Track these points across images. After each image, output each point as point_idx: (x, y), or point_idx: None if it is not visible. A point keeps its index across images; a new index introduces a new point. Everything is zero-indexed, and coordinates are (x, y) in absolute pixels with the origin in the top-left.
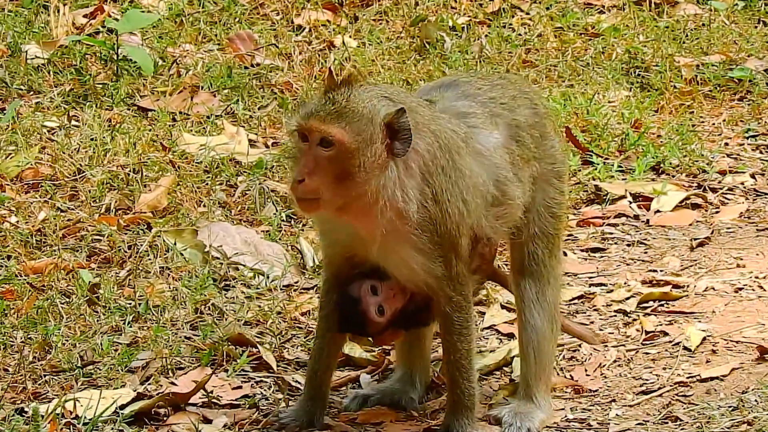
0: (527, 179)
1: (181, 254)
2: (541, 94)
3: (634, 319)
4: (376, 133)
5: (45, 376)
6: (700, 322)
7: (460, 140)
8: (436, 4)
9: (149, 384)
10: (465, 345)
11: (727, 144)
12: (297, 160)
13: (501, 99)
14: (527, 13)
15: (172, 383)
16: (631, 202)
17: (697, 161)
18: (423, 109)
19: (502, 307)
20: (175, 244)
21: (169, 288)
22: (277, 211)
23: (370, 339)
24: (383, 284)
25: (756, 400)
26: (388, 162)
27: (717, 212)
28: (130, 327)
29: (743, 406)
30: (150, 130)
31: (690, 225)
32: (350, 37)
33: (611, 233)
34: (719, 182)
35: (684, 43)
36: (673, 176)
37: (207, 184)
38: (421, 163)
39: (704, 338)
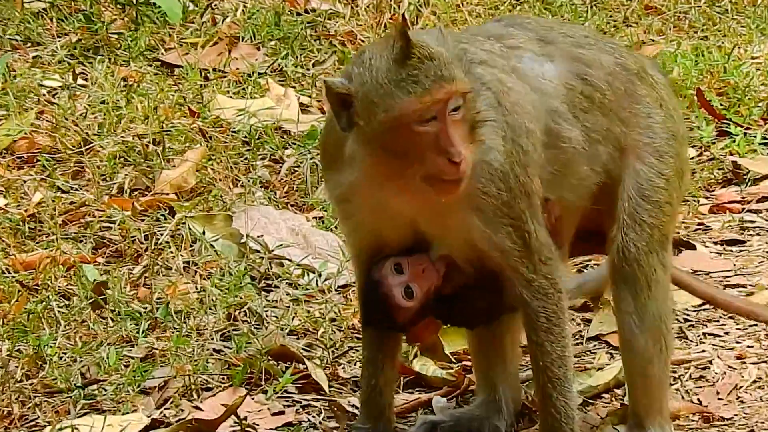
0: (599, 132)
1: (212, 246)
2: (648, 62)
3: None
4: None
5: (36, 397)
6: None
7: (501, 59)
8: None
9: (167, 408)
10: (557, 347)
11: None
12: (430, 142)
13: (566, 32)
14: None
15: (197, 407)
16: None
17: None
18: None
19: None
20: (203, 233)
21: (196, 288)
22: None
23: (404, 336)
24: (409, 259)
25: None
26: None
27: None
28: (145, 337)
29: None
30: (176, 91)
31: None
32: None
33: (753, 222)
34: None
35: None
36: None
37: (246, 158)
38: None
39: None
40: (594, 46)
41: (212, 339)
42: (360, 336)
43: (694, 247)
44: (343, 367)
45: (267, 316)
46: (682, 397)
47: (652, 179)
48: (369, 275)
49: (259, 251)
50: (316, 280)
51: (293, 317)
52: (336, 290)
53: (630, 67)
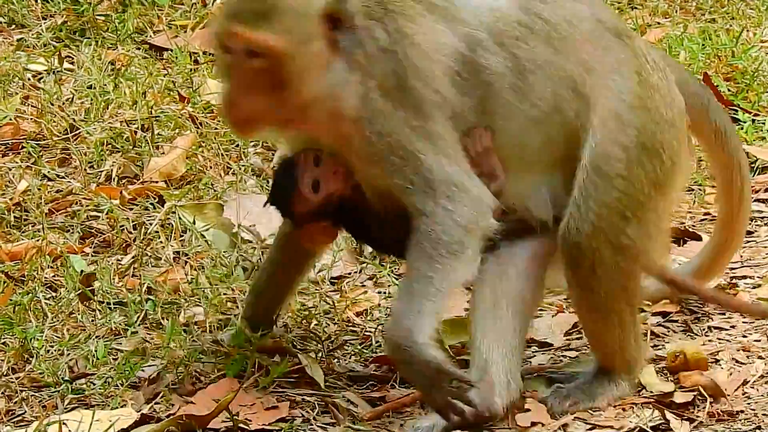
0: (535, 63)
1: (202, 236)
2: (651, 49)
3: None
4: (313, 29)
5: (22, 391)
6: None
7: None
8: None
9: (157, 403)
10: (433, 273)
11: None
12: (225, 76)
13: None
14: None
15: (188, 402)
16: None
17: None
18: None
19: None
20: (194, 222)
21: (187, 279)
22: None
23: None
24: (330, 158)
25: None
26: (333, 60)
27: None
28: (135, 329)
29: None
30: (165, 76)
31: None
32: None
33: (761, 212)
34: None
35: None
36: None
37: (237, 145)
38: (366, 49)
39: None
40: None
41: (203, 332)
42: (355, 330)
43: (700, 238)
44: (338, 361)
45: None
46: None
47: (607, 147)
48: (290, 155)
49: (251, 241)
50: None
51: (287, 310)
52: (330, 282)
53: (605, 21)
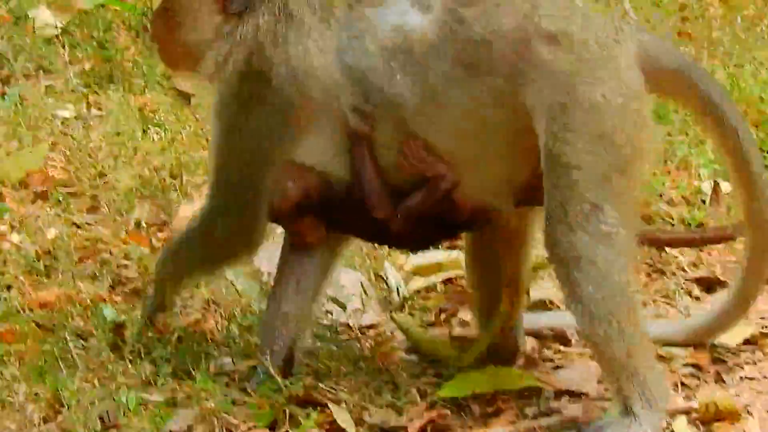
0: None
1: (233, 285)
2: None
3: None
4: None
5: None
6: None
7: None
8: None
9: None
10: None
11: None
12: None
13: None
14: None
15: None
16: None
17: None
18: None
19: None
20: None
21: (218, 329)
22: None
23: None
24: None
25: None
26: (218, 19)
27: None
28: (166, 379)
29: None
30: (194, 122)
31: None
32: None
33: None
34: None
35: None
36: None
37: None
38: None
39: None
40: None
41: (234, 381)
42: (387, 380)
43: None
44: (368, 412)
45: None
46: None
47: (557, 138)
48: None
49: None
50: (341, 320)
51: (316, 359)
52: (361, 331)
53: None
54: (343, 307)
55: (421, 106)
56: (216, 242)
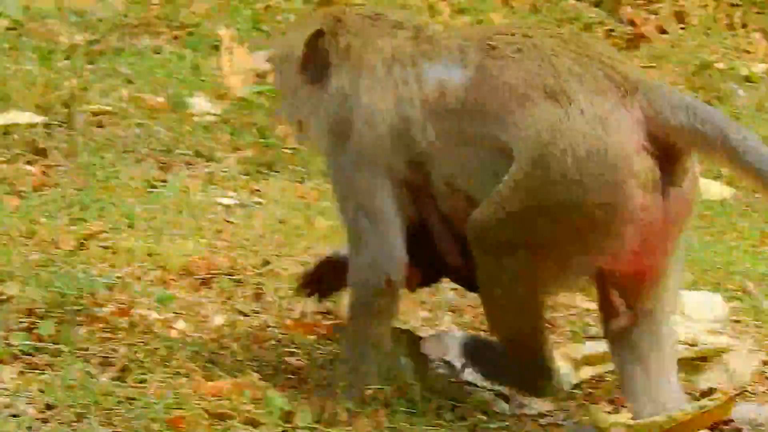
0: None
1: (402, 372)
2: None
3: None
4: (294, 54)
5: None
6: None
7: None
8: (725, 47)
9: None
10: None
11: None
12: None
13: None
14: None
15: None
16: None
17: None
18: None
19: None
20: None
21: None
22: None
23: None
24: None
25: None
26: (304, 86)
27: None
28: None
29: None
30: None
31: None
32: None
33: None
34: None
35: None
36: None
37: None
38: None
39: None
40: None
41: None
42: None
43: None
44: None
45: None
46: None
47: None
48: None
49: (446, 374)
50: (511, 408)
51: None
52: (531, 419)
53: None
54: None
55: (456, 159)
56: (369, 297)
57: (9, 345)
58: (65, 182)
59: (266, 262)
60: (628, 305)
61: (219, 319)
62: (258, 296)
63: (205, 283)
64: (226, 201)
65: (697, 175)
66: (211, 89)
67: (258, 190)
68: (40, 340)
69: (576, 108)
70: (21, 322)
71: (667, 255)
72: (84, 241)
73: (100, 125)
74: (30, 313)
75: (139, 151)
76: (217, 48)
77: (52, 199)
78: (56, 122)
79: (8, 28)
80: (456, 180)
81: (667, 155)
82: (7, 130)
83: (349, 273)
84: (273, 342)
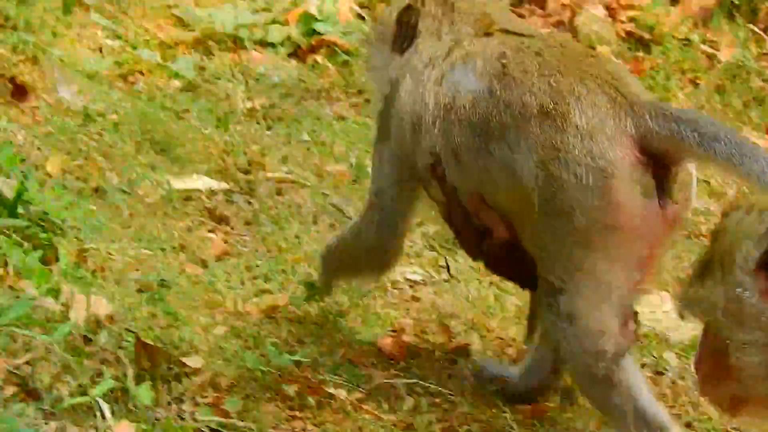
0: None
1: None
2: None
3: None
4: (387, 22)
5: None
6: None
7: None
8: None
9: None
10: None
11: None
12: None
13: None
14: None
15: None
16: None
17: None
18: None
19: None
20: None
21: None
22: None
23: None
24: None
25: None
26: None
27: None
28: None
29: None
30: None
31: None
32: None
33: None
34: None
35: None
36: None
37: None
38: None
39: None
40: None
41: None
42: None
43: None
44: None
45: None
46: None
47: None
48: None
49: None
50: None
51: None
52: None
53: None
54: None
55: (466, 162)
56: (356, 252)
57: (195, 420)
58: (247, 251)
59: (457, 341)
60: None
61: (410, 401)
62: (450, 376)
63: (395, 361)
64: (413, 276)
65: (693, 186)
66: None
67: (444, 266)
68: (227, 416)
69: (571, 126)
70: (205, 396)
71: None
72: (269, 313)
73: (279, 193)
74: (215, 387)
75: (323, 220)
76: None
77: (235, 268)
78: (237, 190)
79: (182, 89)
80: (467, 182)
81: (662, 166)
82: (187, 195)
83: (353, 228)
84: (466, 428)
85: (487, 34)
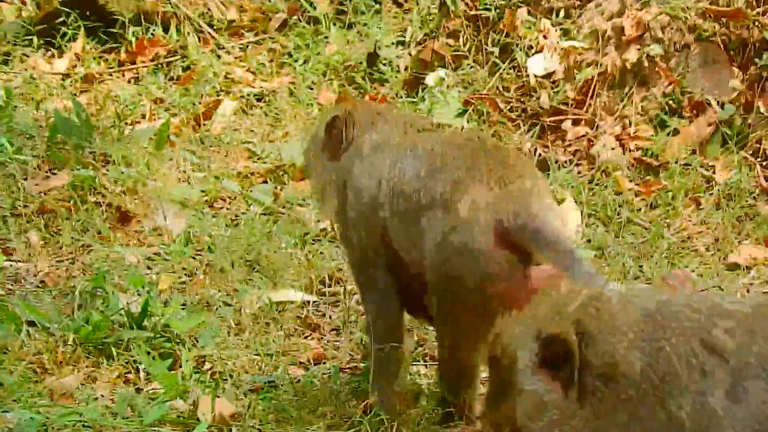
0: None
1: None
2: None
3: None
4: (319, 136)
5: None
6: None
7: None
8: None
9: None
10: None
11: None
12: None
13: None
14: None
15: None
16: None
17: None
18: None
19: None
20: None
21: None
22: None
23: None
24: None
25: None
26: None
27: None
28: None
29: None
30: None
31: None
32: None
33: None
34: None
35: None
36: None
37: None
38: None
39: None
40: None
41: None
42: None
43: None
44: None
45: None
46: None
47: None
48: None
49: None
50: None
51: None
52: None
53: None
54: None
55: (402, 231)
56: (377, 338)
57: None
58: (340, 354)
59: None
60: None
61: None
62: None
63: None
64: None
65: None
66: None
67: None
68: None
69: (458, 216)
70: None
71: None
72: (367, 408)
73: (359, 302)
74: None
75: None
76: None
77: (330, 369)
78: (322, 301)
79: (262, 213)
80: (405, 244)
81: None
82: (282, 306)
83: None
84: None
85: (418, 131)
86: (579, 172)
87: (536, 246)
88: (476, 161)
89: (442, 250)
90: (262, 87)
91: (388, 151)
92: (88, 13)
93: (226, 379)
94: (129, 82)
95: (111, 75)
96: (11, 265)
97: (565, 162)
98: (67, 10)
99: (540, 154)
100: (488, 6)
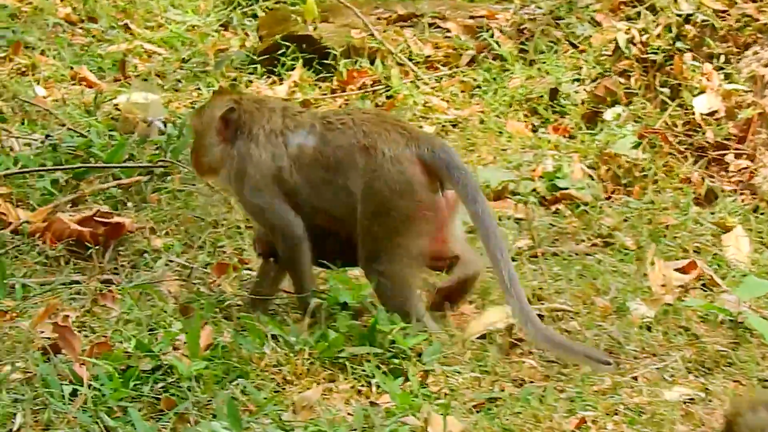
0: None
1: None
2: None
3: None
4: (212, 123)
5: None
6: None
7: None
8: None
9: None
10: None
11: None
12: None
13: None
14: None
15: None
16: None
17: None
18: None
19: None
20: None
21: None
22: None
23: None
24: None
25: None
26: (221, 142)
27: None
28: None
29: None
30: None
31: None
32: None
33: None
34: None
35: None
36: None
37: None
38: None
39: None
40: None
41: None
42: None
43: None
44: None
45: None
46: None
47: (363, 213)
48: None
49: None
50: None
51: None
52: None
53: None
54: None
55: (315, 192)
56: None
57: None
58: (554, 373)
59: None
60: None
61: None
62: None
63: None
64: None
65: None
66: (646, 296)
67: (708, 389)
68: None
69: (381, 155)
70: None
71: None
72: (579, 425)
73: (556, 320)
74: None
75: (598, 346)
76: (640, 260)
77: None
78: None
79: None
80: (316, 203)
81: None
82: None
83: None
84: None
85: (300, 112)
86: (743, 201)
87: (448, 174)
88: (370, 119)
89: (372, 189)
90: (456, 114)
91: (281, 135)
92: (305, 46)
93: (448, 394)
94: (339, 107)
95: (324, 100)
96: (248, 274)
97: (730, 192)
98: (287, 43)
99: (708, 184)
100: (656, 50)
